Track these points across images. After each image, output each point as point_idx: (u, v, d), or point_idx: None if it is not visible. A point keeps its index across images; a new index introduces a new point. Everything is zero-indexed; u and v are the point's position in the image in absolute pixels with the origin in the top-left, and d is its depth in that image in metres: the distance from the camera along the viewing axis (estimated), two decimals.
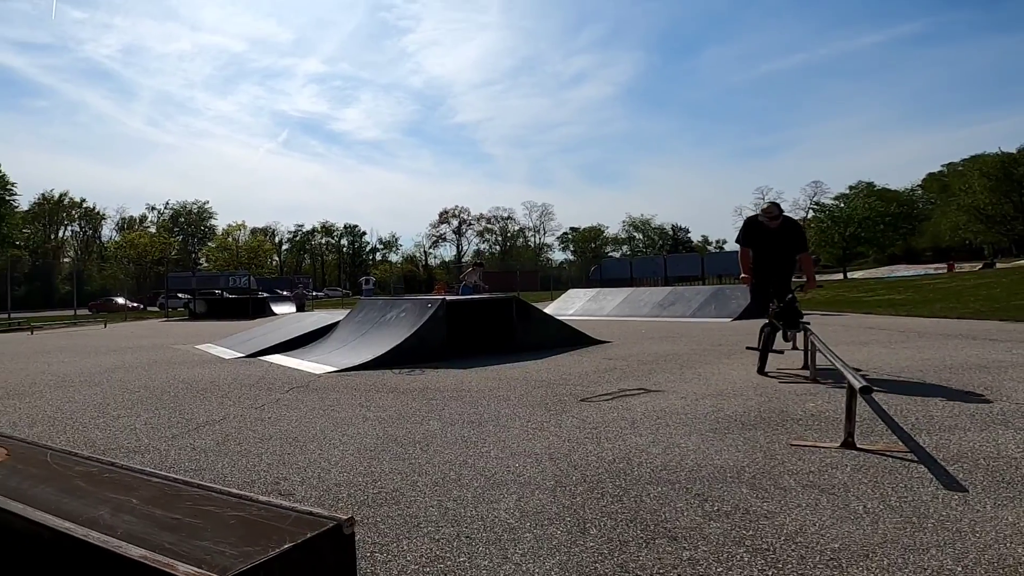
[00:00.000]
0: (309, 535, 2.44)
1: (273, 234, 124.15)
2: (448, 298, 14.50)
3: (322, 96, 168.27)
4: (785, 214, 9.66)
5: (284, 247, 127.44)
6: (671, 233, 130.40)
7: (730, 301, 23.35)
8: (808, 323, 9.24)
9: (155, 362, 13.83)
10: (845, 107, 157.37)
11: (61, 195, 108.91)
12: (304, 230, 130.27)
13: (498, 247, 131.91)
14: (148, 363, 13.66)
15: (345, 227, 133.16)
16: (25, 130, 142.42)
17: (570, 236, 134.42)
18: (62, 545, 2.50)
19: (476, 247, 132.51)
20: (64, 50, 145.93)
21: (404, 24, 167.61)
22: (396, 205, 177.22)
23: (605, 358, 12.31)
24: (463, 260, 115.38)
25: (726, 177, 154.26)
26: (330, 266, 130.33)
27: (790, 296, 9.25)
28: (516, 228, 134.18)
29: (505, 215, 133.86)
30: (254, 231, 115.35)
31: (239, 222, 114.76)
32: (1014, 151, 77.65)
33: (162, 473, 3.39)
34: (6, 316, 36.22)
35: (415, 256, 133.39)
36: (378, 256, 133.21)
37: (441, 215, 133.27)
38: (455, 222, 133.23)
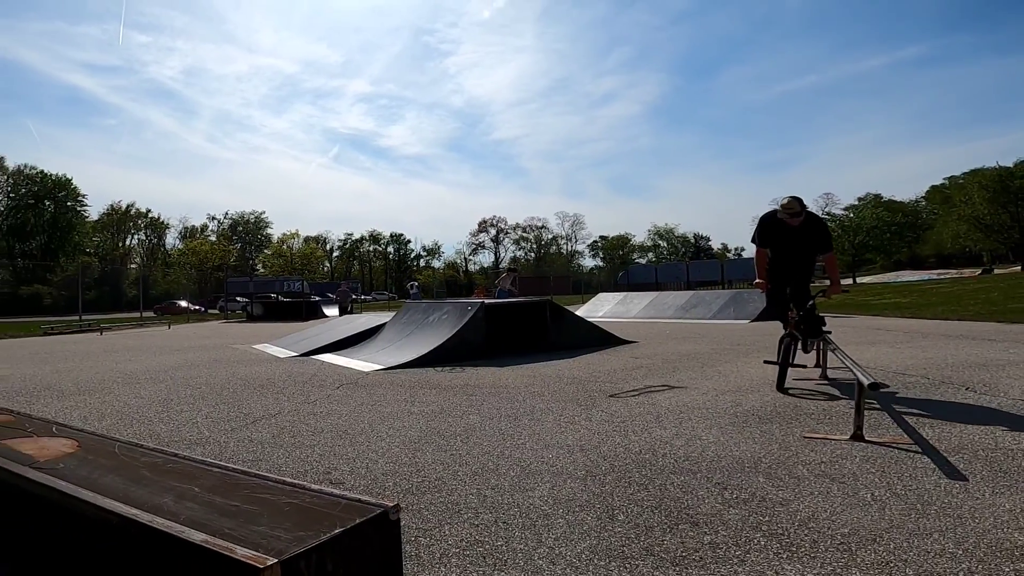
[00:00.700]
0: (358, 521, 2.45)
1: (324, 242, 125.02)
2: (487, 301, 14.54)
3: (369, 114, 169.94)
4: (808, 209, 8.04)
5: (335, 254, 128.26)
6: (693, 241, 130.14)
7: (748, 304, 23.40)
8: (830, 331, 7.91)
9: (215, 361, 13.97)
10: (854, 124, 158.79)
11: (128, 206, 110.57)
12: (353, 238, 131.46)
13: (533, 254, 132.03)
14: (209, 361, 13.80)
15: (391, 235, 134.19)
16: (95, 146, 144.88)
17: (600, 244, 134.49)
18: (129, 530, 2.52)
19: (512, 254, 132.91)
20: (130, 72, 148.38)
21: (445, 47, 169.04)
22: (438, 215, 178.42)
23: (632, 357, 12.30)
24: (501, 266, 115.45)
25: (744, 189, 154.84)
26: (377, 271, 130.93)
27: (811, 302, 7.92)
28: (550, 236, 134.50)
29: (539, 224, 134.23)
30: (307, 239, 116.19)
31: (293, 231, 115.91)
32: (1011, 165, 78.48)
33: (222, 463, 3.41)
34: (77, 318, 36.61)
35: (456, 262, 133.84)
36: (422, 262, 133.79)
37: (480, 224, 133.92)
38: (493, 231, 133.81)
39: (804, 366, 8.31)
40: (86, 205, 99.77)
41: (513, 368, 10.97)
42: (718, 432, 5.93)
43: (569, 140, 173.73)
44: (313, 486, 2.93)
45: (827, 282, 8.87)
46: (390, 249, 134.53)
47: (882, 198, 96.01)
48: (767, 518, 3.73)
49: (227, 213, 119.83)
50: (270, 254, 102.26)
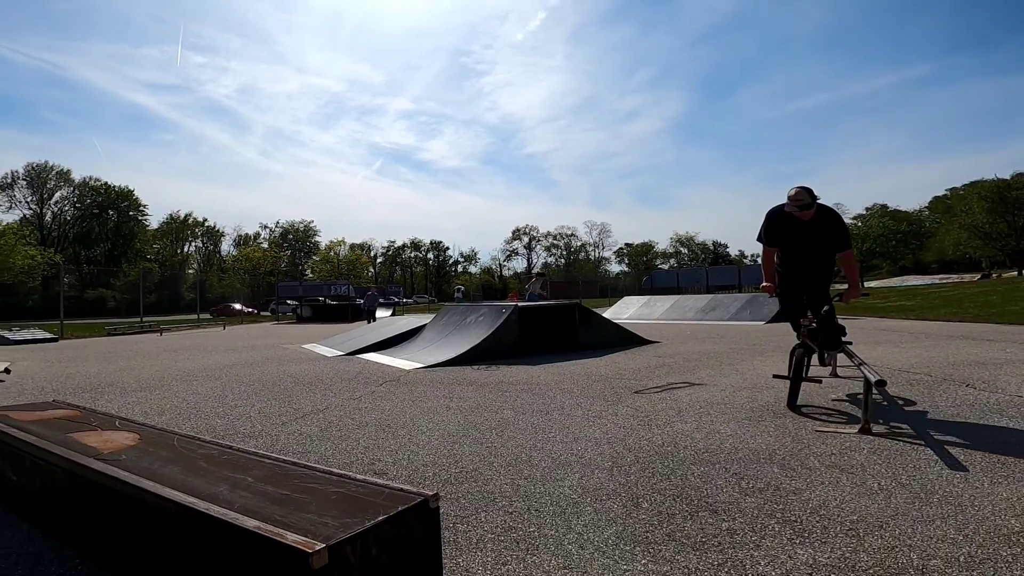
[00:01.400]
0: (400, 509, 2.47)
1: (369, 249, 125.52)
2: (520, 304, 14.59)
3: (410, 130, 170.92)
4: (820, 202, 6.64)
5: (378, 260, 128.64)
6: (712, 248, 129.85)
7: (763, 307, 23.63)
8: (850, 342, 6.80)
9: (267, 359, 14.07)
10: (862, 139, 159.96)
11: (186, 215, 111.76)
12: (396, 245, 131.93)
13: (563, 260, 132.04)
14: (261, 360, 13.90)
15: (431, 243, 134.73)
16: (155, 160, 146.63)
17: (625, 251, 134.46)
18: (187, 517, 2.55)
19: (544, 260, 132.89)
20: (187, 90, 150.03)
21: (481, 68, 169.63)
22: (475, 224, 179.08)
23: (655, 356, 12.28)
24: (533, 271, 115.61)
25: (759, 199, 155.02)
26: (418, 276, 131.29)
27: (827, 308, 6.69)
28: (578, 244, 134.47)
29: (569, 232, 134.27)
30: (352, 246, 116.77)
31: (339, 238, 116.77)
32: (1008, 177, 79.30)
33: (273, 455, 3.44)
34: (139, 319, 37.11)
35: (492, 268, 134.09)
36: (459, 268, 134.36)
37: (514, 232, 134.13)
38: (526, 238, 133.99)
39: (819, 380, 7.06)
40: (147, 214, 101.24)
41: (544, 366, 10.95)
42: (735, 426, 5.95)
43: (596, 154, 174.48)
44: (358, 476, 2.94)
45: (846, 285, 7.64)
46: (430, 255, 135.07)
47: (888, 208, 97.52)
48: (781, 506, 3.75)
49: (278, 222, 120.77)
50: (318, 260, 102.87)
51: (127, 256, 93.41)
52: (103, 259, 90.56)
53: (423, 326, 15.48)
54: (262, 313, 57.96)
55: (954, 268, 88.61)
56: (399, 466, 4.95)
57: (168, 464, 3.27)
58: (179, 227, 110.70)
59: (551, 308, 14.80)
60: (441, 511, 2.76)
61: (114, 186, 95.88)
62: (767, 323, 21.58)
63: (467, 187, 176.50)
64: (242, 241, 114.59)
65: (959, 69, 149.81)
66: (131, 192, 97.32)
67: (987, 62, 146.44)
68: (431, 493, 2.64)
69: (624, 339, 14.96)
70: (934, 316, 21.01)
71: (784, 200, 6.72)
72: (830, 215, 6.78)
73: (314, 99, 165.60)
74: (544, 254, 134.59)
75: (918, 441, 5.18)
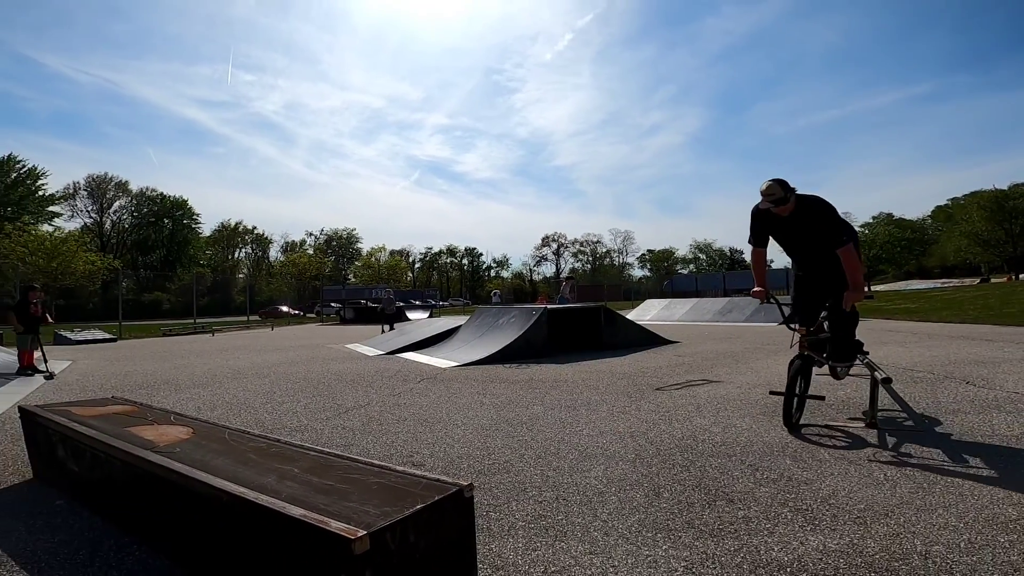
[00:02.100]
0: (437, 498, 2.47)
1: (407, 255, 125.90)
2: (549, 307, 14.62)
3: (446, 144, 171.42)
4: (800, 193, 5.45)
5: (416, 265, 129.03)
6: (729, 254, 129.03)
7: (774, 309, 22.86)
8: (867, 353, 6.04)
9: (312, 358, 14.18)
10: (869, 152, 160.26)
11: (236, 224, 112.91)
12: (432, 251, 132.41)
13: (589, 265, 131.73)
14: (307, 359, 14.01)
15: (465, 249, 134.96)
16: (207, 172, 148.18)
17: (647, 257, 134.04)
18: (237, 506, 2.58)
19: (571, 266, 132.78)
20: (237, 106, 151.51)
21: (512, 85, 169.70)
22: (506, 231, 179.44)
23: (675, 355, 12.27)
24: (561, 276, 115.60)
25: None
26: (454, 281, 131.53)
27: (836, 315, 5.66)
28: (604, 250, 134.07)
29: (595, 240, 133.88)
30: (392, 252, 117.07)
31: (380, 245, 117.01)
32: (1006, 188, 79.32)
33: (318, 448, 3.46)
34: (192, 321, 37.58)
35: (522, 273, 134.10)
36: (492, 273, 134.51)
37: (543, 240, 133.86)
38: (554, 245, 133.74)
39: (821, 397, 6.07)
40: (200, 223, 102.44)
41: (571, 365, 10.94)
42: (750, 421, 5.97)
43: (620, 166, 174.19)
44: (397, 467, 2.95)
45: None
46: (464, 261, 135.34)
47: (893, 216, 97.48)
48: (793, 495, 3.79)
49: (323, 229, 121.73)
50: (360, 265, 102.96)
51: (181, 261, 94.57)
52: (159, 264, 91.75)
53: (458, 327, 15.54)
54: (308, 315, 58.25)
55: (955, 273, 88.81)
56: (436, 458, 4.97)
57: (219, 456, 3.30)
58: (230, 234, 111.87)
59: (578, 310, 14.81)
60: (475, 500, 2.77)
61: (169, 196, 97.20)
62: (780, 324, 21.11)
63: (499, 197, 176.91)
64: (289, 247, 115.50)
65: (961, 86, 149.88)
66: (185, 202, 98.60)
67: (987, 79, 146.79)
68: (466, 483, 2.65)
69: (646, 339, 14.97)
70: (936, 318, 21.18)
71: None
72: (812, 206, 5.47)
73: (356, 114, 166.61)
74: (571, 260, 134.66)
75: (921, 435, 5.22)
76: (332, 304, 56.24)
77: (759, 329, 19.72)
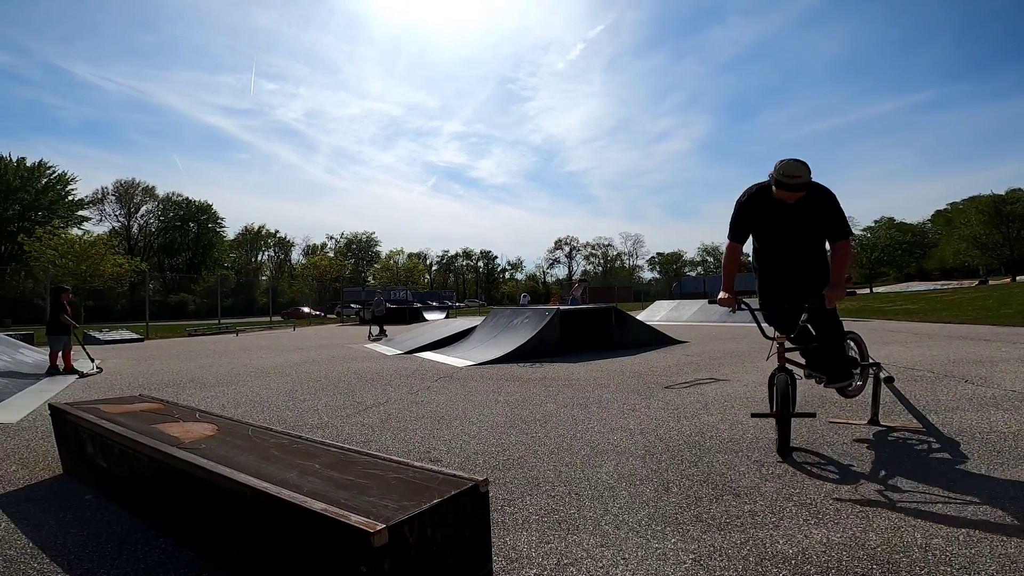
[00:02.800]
0: (453, 493, 2.48)
1: (425, 257, 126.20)
2: (562, 308, 14.66)
3: (462, 150, 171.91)
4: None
5: (433, 268, 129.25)
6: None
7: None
8: (876, 363, 5.51)
9: (333, 358, 14.24)
10: (871, 158, 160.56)
11: (259, 227, 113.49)
12: (449, 254, 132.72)
13: (600, 268, 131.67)
14: (327, 358, 14.07)
15: (481, 252, 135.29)
16: (231, 177, 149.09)
17: (656, 259, 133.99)
18: (260, 500, 2.59)
19: (583, 268, 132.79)
20: (260, 114, 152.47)
21: (526, 94, 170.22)
22: (520, 235, 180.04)
23: (684, 354, 12.29)
24: (573, 278, 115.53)
25: None
26: (470, 283, 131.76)
27: (818, 319, 4.93)
28: (614, 253, 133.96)
29: (606, 243, 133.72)
30: (410, 255, 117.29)
31: (398, 248, 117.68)
32: (1003, 193, 79.70)
33: (338, 444, 3.48)
34: (217, 321, 37.83)
35: (536, 275, 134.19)
36: (507, 275, 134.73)
37: (556, 243, 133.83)
38: (567, 248, 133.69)
39: (812, 414, 4.97)
40: (224, 226, 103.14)
41: (583, 364, 10.94)
42: (757, 418, 5.87)
43: (631, 172, 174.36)
44: (415, 463, 2.96)
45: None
46: (480, 264, 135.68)
47: (895, 220, 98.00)
48: (798, 490, 3.79)
49: (343, 233, 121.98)
50: (379, 268, 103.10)
51: (206, 264, 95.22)
52: (184, 267, 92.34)
53: (474, 327, 15.57)
54: (328, 316, 58.45)
55: (954, 275, 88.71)
56: (452, 454, 4.99)
57: (243, 452, 3.32)
58: (253, 238, 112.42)
59: (589, 311, 14.82)
60: (490, 495, 2.78)
61: (194, 201, 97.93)
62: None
63: (513, 202, 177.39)
64: (310, 250, 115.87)
65: (960, 94, 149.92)
66: (210, 206, 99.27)
67: (985, 88, 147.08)
68: (481, 478, 2.65)
69: (656, 339, 14.99)
70: (936, 318, 21.29)
71: (769, 178, 4.77)
72: (823, 194, 4.79)
73: (375, 122, 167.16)
74: (583, 262, 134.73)
75: (922, 432, 5.23)
76: (352, 305, 56.47)
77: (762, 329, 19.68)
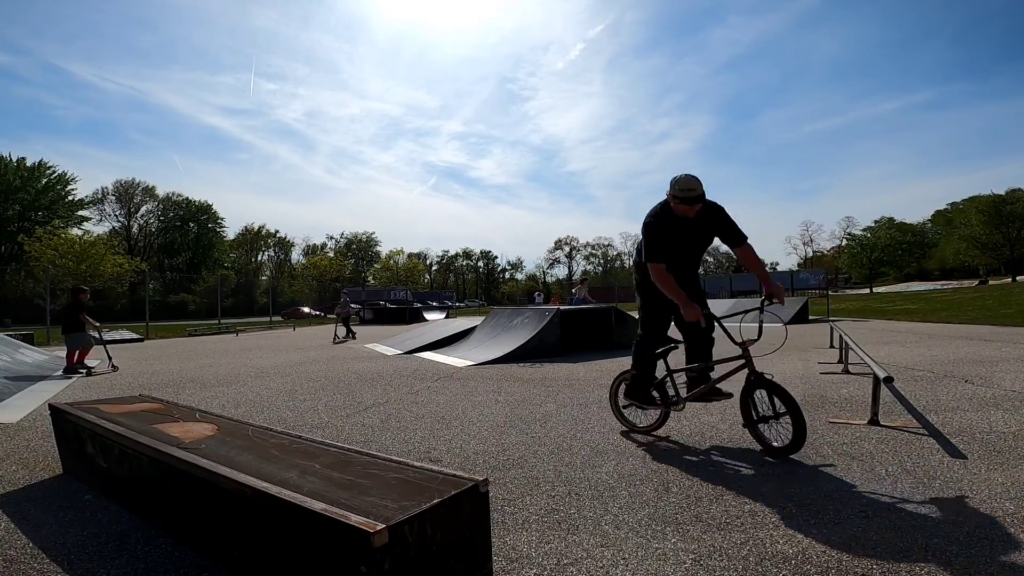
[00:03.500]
0: (453, 493, 2.48)
1: (425, 257, 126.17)
2: (562, 308, 14.67)
3: (462, 150, 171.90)
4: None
5: (433, 268, 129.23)
6: (735, 257, 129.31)
7: (780, 309, 23.20)
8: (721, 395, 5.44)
9: (333, 358, 14.25)
10: (871, 158, 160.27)
11: (260, 227, 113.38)
12: (449, 254, 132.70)
13: (600, 268, 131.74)
14: (327, 358, 14.08)
15: (481, 252, 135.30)
16: (231, 177, 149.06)
17: None
18: (260, 500, 2.59)
19: (583, 268, 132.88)
20: (260, 114, 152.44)
21: (526, 93, 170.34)
22: (520, 235, 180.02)
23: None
24: (574, 278, 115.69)
25: (778, 213, 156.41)
26: (470, 283, 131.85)
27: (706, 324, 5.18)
28: (614, 253, 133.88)
29: (606, 243, 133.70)
30: (410, 255, 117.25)
31: (398, 248, 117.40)
32: (1003, 193, 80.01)
33: (338, 444, 3.48)
34: (217, 322, 37.82)
35: (536, 275, 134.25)
36: (507, 275, 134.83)
37: (556, 243, 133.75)
38: (567, 248, 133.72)
39: (730, 395, 5.38)
40: (224, 226, 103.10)
41: (584, 364, 10.96)
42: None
43: (630, 172, 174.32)
44: (415, 463, 2.96)
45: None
46: (480, 264, 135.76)
47: (895, 220, 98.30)
48: (798, 490, 3.80)
49: (343, 233, 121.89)
50: (379, 268, 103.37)
51: (206, 264, 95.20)
52: (184, 267, 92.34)
53: (474, 327, 15.57)
54: (328, 316, 58.47)
55: (954, 275, 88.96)
56: (452, 454, 5.00)
57: (243, 452, 3.32)
58: (253, 238, 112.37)
59: (590, 311, 14.82)
60: (490, 495, 2.78)
61: (194, 201, 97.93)
62: (785, 324, 21.53)
63: (513, 202, 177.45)
64: (310, 251, 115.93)
65: (960, 94, 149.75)
66: (210, 206, 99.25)
67: (985, 88, 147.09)
68: (481, 478, 2.65)
69: None
70: (936, 318, 21.41)
71: (667, 195, 5.03)
72: (715, 206, 5.14)
73: (375, 122, 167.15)
74: (583, 262, 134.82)
75: (922, 432, 5.25)
76: (352, 305, 56.36)
77: (764, 330, 19.69)
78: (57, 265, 41.65)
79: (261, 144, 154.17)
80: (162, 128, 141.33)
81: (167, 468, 3.25)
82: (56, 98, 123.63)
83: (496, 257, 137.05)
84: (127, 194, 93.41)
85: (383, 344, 17.33)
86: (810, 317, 24.23)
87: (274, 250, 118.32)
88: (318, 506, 2.36)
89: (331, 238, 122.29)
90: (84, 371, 11.78)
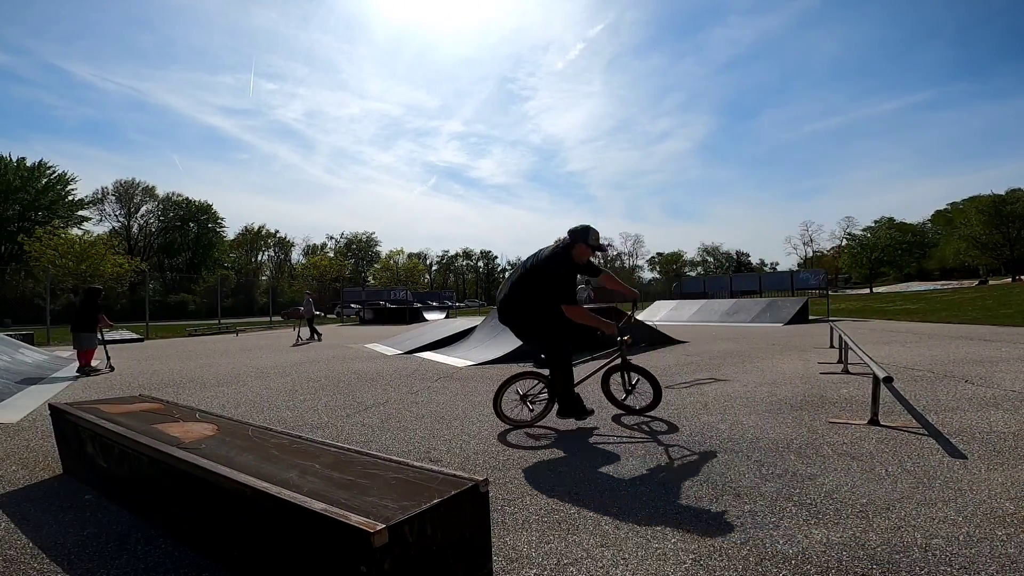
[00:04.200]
0: (453, 493, 2.48)
1: (425, 257, 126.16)
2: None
3: (462, 150, 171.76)
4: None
5: (433, 268, 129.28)
6: (735, 257, 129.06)
7: (781, 310, 24.39)
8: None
9: (333, 358, 14.24)
10: (871, 158, 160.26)
11: (260, 227, 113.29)
12: (449, 254, 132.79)
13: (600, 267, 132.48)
14: (327, 358, 14.07)
15: (481, 252, 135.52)
16: (231, 177, 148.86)
17: (656, 259, 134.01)
18: (261, 500, 2.59)
19: None
20: (259, 114, 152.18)
21: (526, 93, 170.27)
22: (520, 235, 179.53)
23: (684, 354, 12.35)
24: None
25: (778, 213, 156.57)
26: (469, 283, 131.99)
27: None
28: (615, 253, 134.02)
29: (606, 243, 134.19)
30: (410, 255, 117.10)
31: (398, 248, 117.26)
32: (1003, 193, 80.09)
33: (338, 444, 3.48)
34: (217, 322, 37.86)
35: None
36: (507, 275, 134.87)
37: (556, 243, 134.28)
38: None
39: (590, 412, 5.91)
40: (224, 226, 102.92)
41: (583, 364, 10.89)
42: (756, 418, 5.99)
43: (630, 172, 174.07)
44: (415, 463, 2.96)
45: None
46: (480, 264, 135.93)
47: (895, 220, 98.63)
48: (798, 490, 3.81)
49: (343, 233, 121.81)
50: (379, 268, 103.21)
51: (206, 264, 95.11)
52: (184, 267, 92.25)
53: (474, 327, 15.54)
54: (328, 316, 58.43)
55: (954, 275, 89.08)
56: (452, 454, 5.00)
57: (243, 452, 3.32)
58: (253, 238, 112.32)
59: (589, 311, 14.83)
60: (490, 495, 2.78)
61: (194, 201, 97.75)
62: (785, 324, 22.29)
63: (513, 202, 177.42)
64: (310, 250, 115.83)
65: (960, 94, 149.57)
66: (210, 206, 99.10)
67: (984, 88, 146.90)
68: (481, 478, 2.65)
69: (656, 339, 15.05)
70: (936, 318, 21.41)
71: (584, 242, 6.15)
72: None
73: (374, 122, 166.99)
74: None
75: (922, 432, 5.24)
76: (352, 305, 56.35)
77: (764, 329, 20.03)
78: (57, 265, 41.59)
79: (261, 144, 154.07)
80: (162, 128, 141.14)
81: (167, 468, 3.25)
82: (56, 98, 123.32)
83: (496, 257, 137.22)
84: (127, 194, 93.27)
85: (383, 344, 17.32)
86: (810, 317, 24.21)
87: (274, 250, 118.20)
88: (318, 506, 2.36)
89: (331, 238, 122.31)
90: (88, 371, 11.78)
